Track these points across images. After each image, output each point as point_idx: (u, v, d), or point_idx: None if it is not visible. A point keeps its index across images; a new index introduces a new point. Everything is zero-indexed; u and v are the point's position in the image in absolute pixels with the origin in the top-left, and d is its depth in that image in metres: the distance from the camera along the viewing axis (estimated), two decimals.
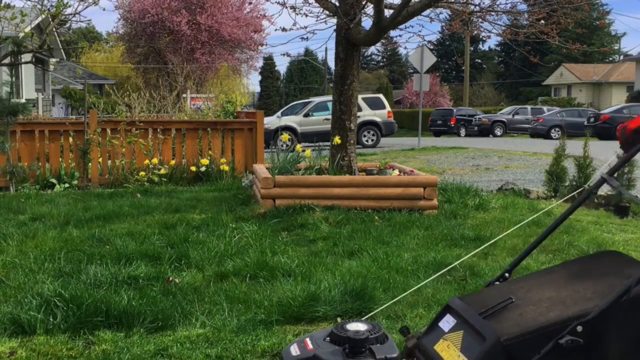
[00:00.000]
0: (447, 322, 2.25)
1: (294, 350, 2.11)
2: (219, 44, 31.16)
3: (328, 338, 2.09)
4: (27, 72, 22.62)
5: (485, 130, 31.85)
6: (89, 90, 18.38)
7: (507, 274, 2.60)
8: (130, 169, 9.33)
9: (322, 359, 2.01)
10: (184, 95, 20.83)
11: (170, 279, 4.39)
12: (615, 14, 59.08)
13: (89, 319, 3.61)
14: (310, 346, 2.08)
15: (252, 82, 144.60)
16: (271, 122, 20.06)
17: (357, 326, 2.08)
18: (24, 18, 9.08)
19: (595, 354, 2.03)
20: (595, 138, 23.15)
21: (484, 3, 7.67)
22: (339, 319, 3.76)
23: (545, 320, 2.07)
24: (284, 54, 51.96)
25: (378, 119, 21.01)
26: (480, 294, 2.52)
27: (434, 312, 3.78)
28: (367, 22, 26.50)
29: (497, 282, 2.59)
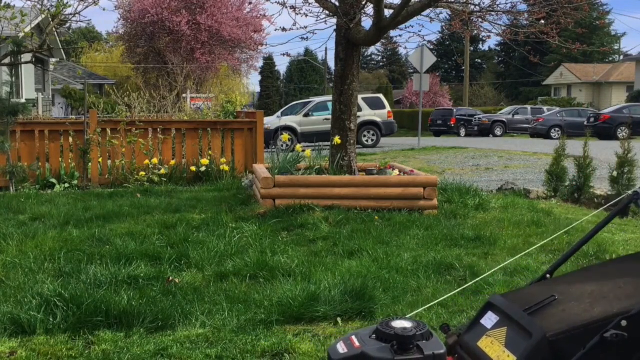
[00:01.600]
0: (490, 319, 2.28)
1: (341, 348, 2.11)
2: (219, 44, 31.16)
3: (374, 335, 2.10)
4: (27, 72, 22.62)
5: (485, 130, 31.85)
6: (89, 90, 18.38)
7: (548, 275, 2.62)
8: (130, 169, 9.33)
9: (371, 355, 2.02)
10: (184, 95, 20.84)
11: (170, 279, 4.39)
12: (615, 14, 59.11)
13: (89, 319, 3.61)
14: (357, 343, 2.09)
15: (252, 82, 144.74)
16: (271, 122, 20.06)
17: (402, 323, 2.09)
18: (24, 18, 9.08)
19: (637, 348, 2.07)
20: (595, 138, 23.15)
21: (484, 3, 7.67)
22: (339, 319, 3.77)
23: (590, 317, 2.12)
24: (284, 54, 51.98)
25: (378, 119, 21.00)
26: (521, 292, 2.56)
27: (434, 312, 3.79)
28: (367, 22, 26.49)
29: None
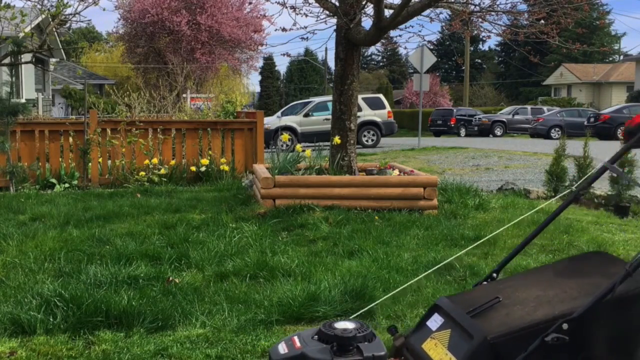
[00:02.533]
0: (435, 321, 2.28)
1: (282, 348, 2.12)
2: (219, 44, 31.16)
3: (316, 336, 2.10)
4: (27, 72, 22.62)
5: (485, 130, 31.85)
6: (89, 90, 18.39)
7: (494, 274, 2.62)
8: (130, 169, 9.33)
9: (310, 357, 2.02)
10: (184, 95, 20.83)
11: (170, 279, 4.39)
12: (615, 14, 59.12)
13: (89, 319, 3.61)
14: (298, 344, 2.09)
15: (252, 82, 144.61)
16: (271, 122, 20.05)
17: (344, 325, 2.10)
18: (24, 18, 9.09)
19: (580, 351, 2.06)
20: (595, 138, 23.15)
21: (484, 3, 7.67)
22: (338, 319, 3.76)
23: (532, 319, 2.10)
24: (284, 54, 51.97)
25: (378, 119, 21.00)
26: (469, 293, 2.55)
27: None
28: (367, 22, 26.49)
29: (485, 282, 2.60)
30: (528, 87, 58.30)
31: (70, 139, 9.34)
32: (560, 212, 2.64)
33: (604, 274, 2.26)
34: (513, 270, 4.62)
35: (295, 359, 2.05)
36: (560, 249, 5.30)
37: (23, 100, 18.81)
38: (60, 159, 9.27)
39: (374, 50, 73.19)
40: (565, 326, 2.01)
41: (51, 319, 3.59)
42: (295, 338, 2.14)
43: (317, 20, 7.88)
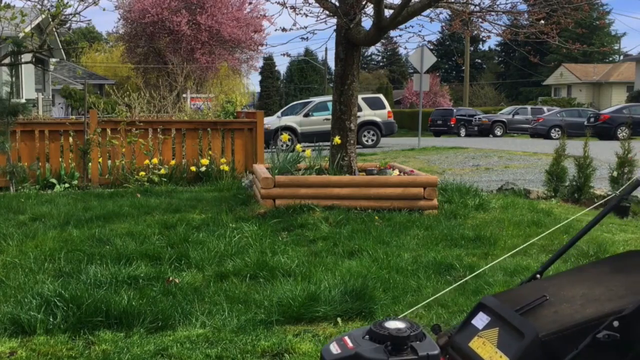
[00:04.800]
0: (481, 320, 2.28)
1: (334, 348, 2.10)
2: (219, 44, 31.17)
3: (367, 336, 2.09)
4: (27, 72, 22.62)
5: (485, 130, 31.85)
6: (89, 90, 18.38)
7: (538, 275, 2.62)
8: (130, 169, 9.33)
9: (365, 356, 2.01)
10: (184, 95, 20.83)
11: (170, 279, 4.39)
12: (615, 14, 59.07)
13: (89, 319, 3.61)
14: (351, 344, 2.08)
15: (252, 82, 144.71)
16: (271, 122, 20.05)
17: (396, 324, 2.09)
18: (24, 18, 9.09)
19: (630, 349, 2.08)
20: (595, 138, 23.15)
21: (484, 3, 7.67)
22: (339, 319, 3.77)
23: (582, 317, 2.12)
24: (284, 54, 52.05)
25: (378, 119, 21.01)
26: (512, 292, 2.56)
27: (434, 312, 3.79)
28: (367, 22, 26.49)
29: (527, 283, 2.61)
30: (528, 87, 58.29)
31: (70, 139, 9.34)
32: (604, 216, 2.67)
33: None
34: (513, 270, 4.62)
35: (349, 359, 2.05)
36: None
37: (23, 100, 18.80)
38: (60, 159, 9.27)
39: (374, 50, 73.29)
40: (615, 324, 2.04)
41: (51, 319, 3.59)
42: (347, 338, 2.13)
43: (317, 20, 7.89)
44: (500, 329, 2.19)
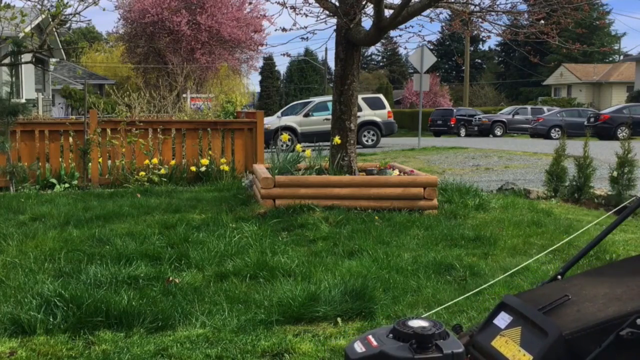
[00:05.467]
0: (503, 319, 2.29)
1: (359, 347, 2.11)
2: (219, 44, 31.17)
3: (391, 334, 2.10)
4: (27, 72, 22.62)
5: (485, 130, 31.85)
6: (89, 90, 18.38)
7: (559, 277, 2.62)
8: (130, 169, 9.33)
9: (391, 354, 2.02)
10: (184, 95, 20.83)
11: (170, 279, 4.39)
12: (615, 14, 59.08)
13: (89, 319, 3.61)
14: (375, 343, 2.08)
15: (252, 82, 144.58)
16: (271, 122, 20.05)
17: (420, 323, 2.10)
18: (24, 18, 9.09)
19: None
20: (595, 138, 23.15)
21: (484, 3, 7.67)
22: (339, 319, 3.76)
23: (605, 316, 2.13)
24: (284, 54, 51.85)
25: (378, 119, 21.00)
26: (533, 292, 2.57)
27: (434, 313, 3.79)
28: (367, 22, 26.48)
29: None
30: (528, 87, 58.29)
31: (70, 139, 9.34)
32: (617, 226, 2.69)
33: None
34: (513, 271, 4.61)
35: (374, 357, 2.04)
36: (560, 249, 5.29)
37: (23, 100, 18.81)
38: (60, 159, 9.27)
39: (374, 50, 73.28)
40: (639, 321, 2.05)
41: (51, 319, 3.59)
42: (370, 337, 2.13)
43: (317, 20, 7.89)
44: (523, 327, 2.21)
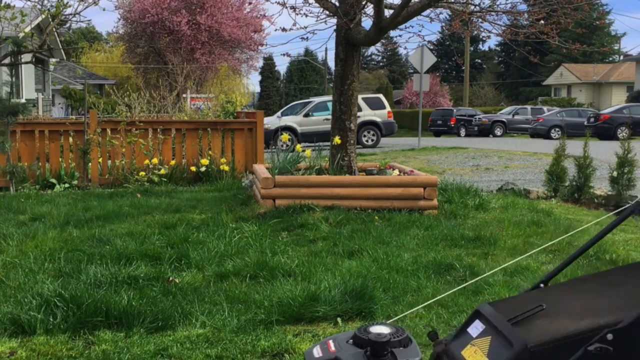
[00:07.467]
0: (476, 328, 2.25)
1: (317, 352, 2.10)
2: (219, 44, 31.16)
3: (351, 340, 2.09)
4: (27, 72, 22.62)
5: (485, 130, 31.85)
6: (89, 90, 18.39)
7: (541, 285, 2.57)
8: (130, 169, 9.33)
9: None
10: (184, 95, 20.83)
11: (170, 279, 4.39)
12: (615, 14, 59.09)
13: (89, 319, 3.61)
14: (333, 348, 2.08)
15: (252, 82, 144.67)
16: (271, 122, 20.05)
17: (379, 329, 2.07)
18: (24, 18, 9.07)
19: None
20: (595, 138, 23.15)
21: (484, 3, 7.67)
22: (339, 319, 3.76)
23: (576, 328, 2.05)
24: (284, 54, 51.97)
25: (378, 119, 21.00)
26: (511, 300, 2.52)
27: (434, 313, 3.79)
28: (367, 22, 26.48)
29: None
30: (528, 87, 58.29)
31: (70, 139, 9.34)
32: (611, 230, 2.64)
33: None
34: (513, 271, 4.62)
35: None
36: (560, 249, 5.30)
37: (23, 100, 18.80)
38: (60, 159, 9.27)
39: (374, 50, 73.30)
40: (609, 336, 1.96)
41: (51, 319, 3.59)
42: (331, 342, 2.12)
43: (317, 21, 7.90)
44: (492, 337, 2.16)
